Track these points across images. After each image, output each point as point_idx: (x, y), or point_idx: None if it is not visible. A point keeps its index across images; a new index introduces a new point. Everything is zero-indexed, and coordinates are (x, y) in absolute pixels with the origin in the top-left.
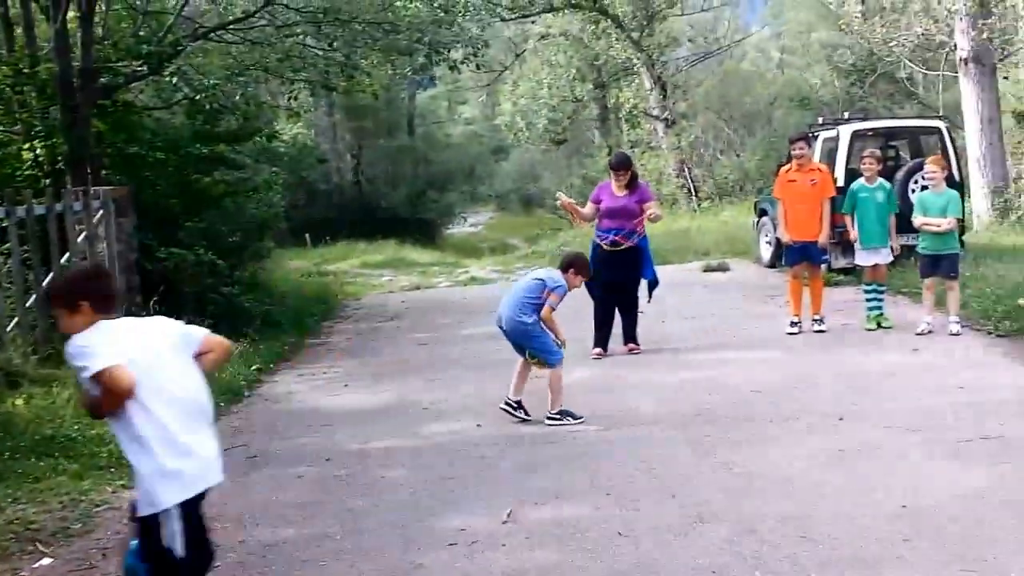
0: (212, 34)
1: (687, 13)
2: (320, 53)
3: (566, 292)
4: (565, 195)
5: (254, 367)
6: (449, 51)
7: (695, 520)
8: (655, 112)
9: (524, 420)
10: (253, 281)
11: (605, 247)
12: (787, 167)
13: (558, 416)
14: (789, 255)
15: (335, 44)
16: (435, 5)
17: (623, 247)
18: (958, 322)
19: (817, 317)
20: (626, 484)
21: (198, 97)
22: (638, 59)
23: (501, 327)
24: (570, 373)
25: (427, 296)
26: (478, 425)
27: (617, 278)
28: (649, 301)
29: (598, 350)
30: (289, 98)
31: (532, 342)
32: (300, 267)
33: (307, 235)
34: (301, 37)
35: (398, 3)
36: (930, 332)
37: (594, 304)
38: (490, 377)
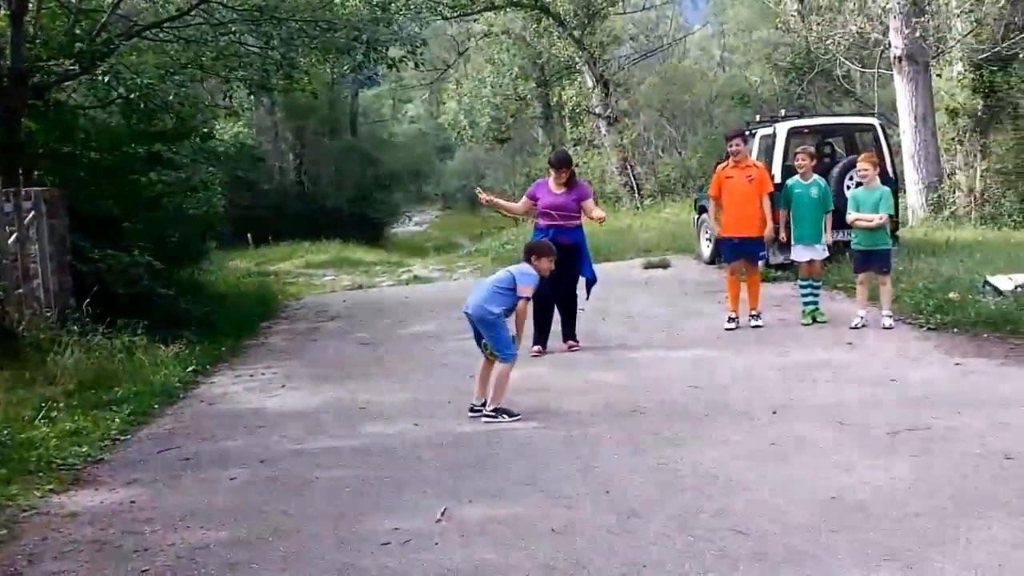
0: (147, 32)
1: (629, 12)
2: (257, 52)
3: (536, 279)
4: (483, 192)
5: (190, 368)
6: (387, 49)
7: (629, 516)
8: (598, 110)
9: (494, 419)
10: (192, 282)
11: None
12: (724, 164)
13: (493, 413)
14: (727, 251)
15: (272, 42)
16: (373, 3)
17: (565, 245)
18: (891, 316)
19: (754, 313)
20: (562, 482)
21: (132, 96)
22: (580, 57)
23: (467, 312)
24: (515, 371)
25: (369, 296)
26: (415, 425)
27: (557, 276)
28: (587, 298)
29: (537, 347)
30: (226, 97)
31: (491, 331)
32: (241, 267)
33: (248, 235)
34: (237, 35)
35: (336, 1)
36: (864, 326)
37: (533, 302)
38: (429, 377)
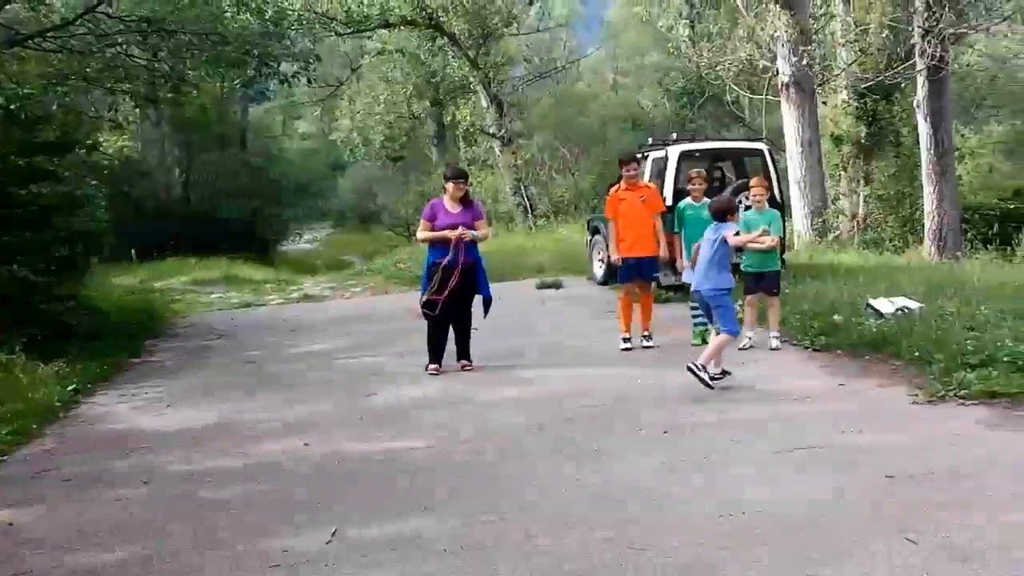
0: (30, 41)
1: (523, 33)
2: (144, 64)
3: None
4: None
5: (72, 387)
6: (279, 64)
7: (529, 535)
8: (492, 130)
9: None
10: (73, 298)
11: (443, 265)
12: (617, 187)
13: (702, 369)
14: (622, 272)
15: (160, 55)
16: (265, 18)
17: (467, 265)
18: (778, 337)
19: (646, 333)
20: (460, 500)
21: (13, 107)
22: (475, 77)
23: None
24: (406, 390)
25: (258, 314)
26: (305, 444)
27: (456, 295)
28: (485, 317)
29: (434, 365)
30: (111, 109)
31: (717, 306)
32: (125, 284)
33: (133, 251)
34: (124, 47)
35: (227, 14)
36: (752, 347)
37: (428, 321)
38: (319, 396)
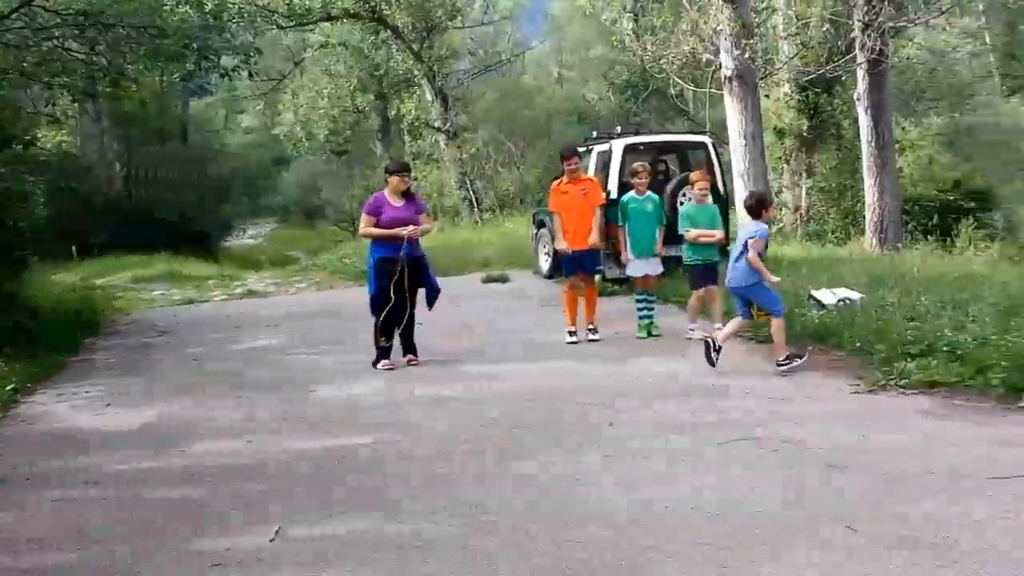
0: None
1: (468, 26)
2: (82, 58)
3: (767, 235)
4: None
5: (10, 387)
6: (220, 58)
7: (475, 531)
8: (437, 124)
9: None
10: (10, 296)
11: (396, 260)
12: (559, 180)
13: (786, 361)
14: (565, 265)
15: (98, 48)
16: (205, 10)
17: (414, 259)
18: (721, 327)
19: (591, 327)
20: (406, 497)
21: None
22: (419, 71)
23: (731, 287)
24: (351, 386)
25: (201, 311)
26: (248, 442)
27: (404, 290)
28: (430, 309)
29: (386, 361)
30: (48, 104)
31: (758, 295)
32: (65, 281)
33: (73, 248)
34: (61, 41)
35: (166, 7)
36: (697, 339)
37: (376, 316)
38: (262, 393)
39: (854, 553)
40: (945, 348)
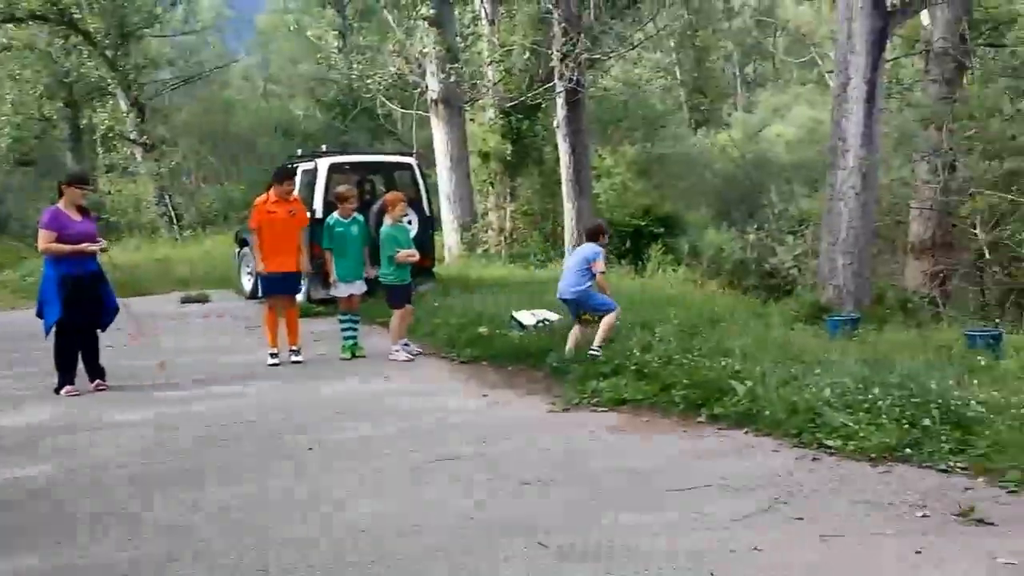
0: None
1: (168, 35)
2: None
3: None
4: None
5: None
6: None
7: (166, 559)
8: (133, 135)
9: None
10: None
11: (83, 276)
12: (264, 198)
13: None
14: (268, 286)
15: None
16: None
17: (94, 274)
18: (407, 346)
19: (294, 348)
20: (77, 531)
21: None
22: (113, 79)
23: (563, 299)
24: (31, 414)
25: None
26: None
27: (88, 309)
28: (104, 331)
29: (71, 387)
30: None
31: (590, 301)
32: None
33: None
34: None
35: None
36: (404, 359)
37: (57, 339)
38: None
39: (546, 568)
40: (633, 367)
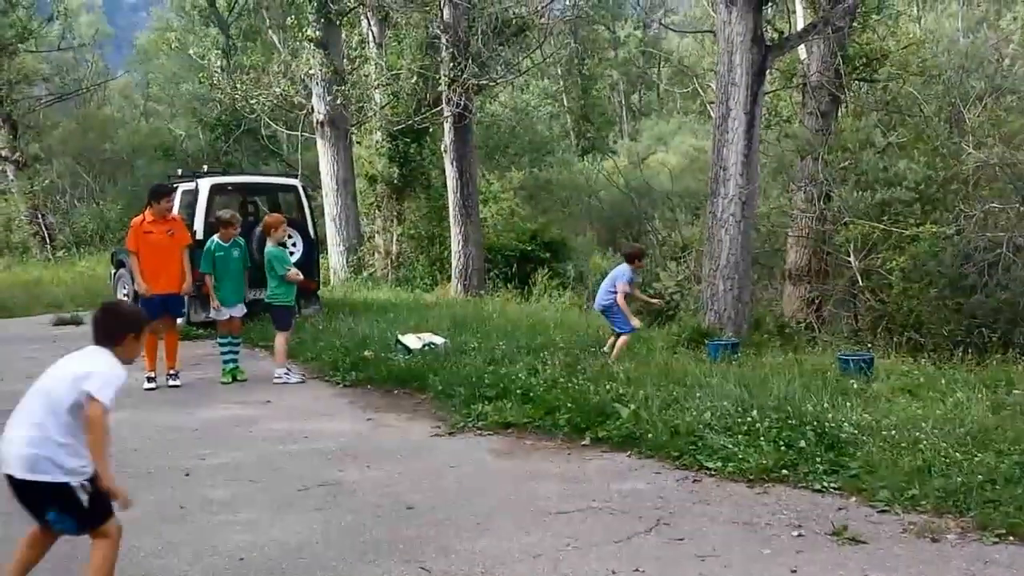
0: None
1: (43, 51)
2: None
3: (632, 279)
4: None
5: None
6: None
7: None
8: (4, 153)
9: None
10: None
11: None
12: (141, 218)
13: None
14: (148, 308)
15: None
16: None
17: None
18: (288, 371)
19: (172, 372)
20: None
21: None
22: None
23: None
24: None
25: None
26: None
27: None
28: None
29: None
30: None
31: (612, 317)
32: None
33: None
34: None
35: None
36: (294, 382)
37: None
38: None
39: None
40: (519, 391)
